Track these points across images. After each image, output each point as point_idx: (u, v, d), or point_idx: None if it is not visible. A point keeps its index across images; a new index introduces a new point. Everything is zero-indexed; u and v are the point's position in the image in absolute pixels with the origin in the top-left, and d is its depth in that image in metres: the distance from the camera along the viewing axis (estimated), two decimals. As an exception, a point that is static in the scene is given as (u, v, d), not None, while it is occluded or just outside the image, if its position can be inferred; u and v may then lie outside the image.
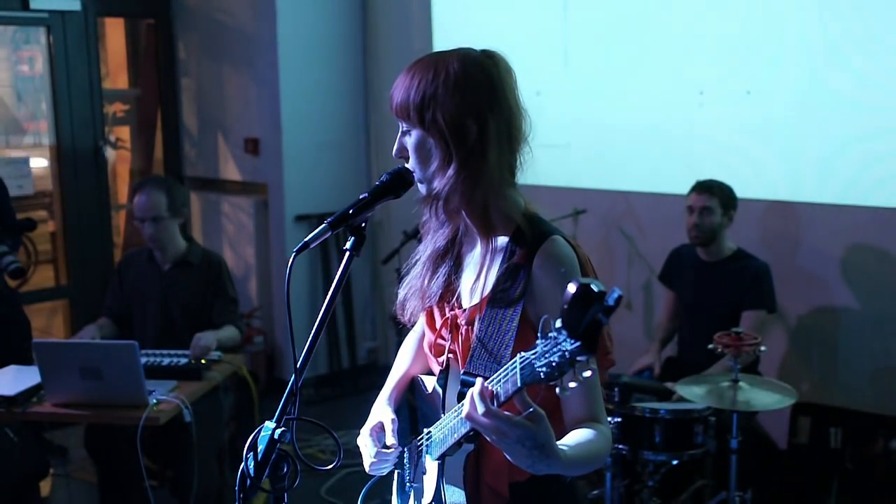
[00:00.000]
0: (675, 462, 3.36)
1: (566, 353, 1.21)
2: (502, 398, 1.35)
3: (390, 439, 1.76)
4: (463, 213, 1.64)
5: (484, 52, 1.64)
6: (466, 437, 1.53)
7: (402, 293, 1.77)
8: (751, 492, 3.36)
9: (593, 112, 4.68)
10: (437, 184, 1.60)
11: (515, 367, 1.31)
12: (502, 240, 1.62)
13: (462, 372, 1.59)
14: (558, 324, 1.22)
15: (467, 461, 1.60)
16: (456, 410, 1.54)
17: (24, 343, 3.72)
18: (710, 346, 3.26)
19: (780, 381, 3.33)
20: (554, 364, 1.23)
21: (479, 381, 1.39)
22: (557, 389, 1.24)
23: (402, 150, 1.65)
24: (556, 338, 1.23)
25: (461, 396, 1.55)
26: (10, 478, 3.64)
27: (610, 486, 3.31)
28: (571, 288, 1.19)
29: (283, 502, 1.51)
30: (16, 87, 5.87)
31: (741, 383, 3.12)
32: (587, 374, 1.21)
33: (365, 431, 1.80)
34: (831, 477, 3.73)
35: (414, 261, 1.77)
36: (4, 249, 3.71)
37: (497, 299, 1.57)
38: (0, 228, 4.05)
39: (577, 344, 1.19)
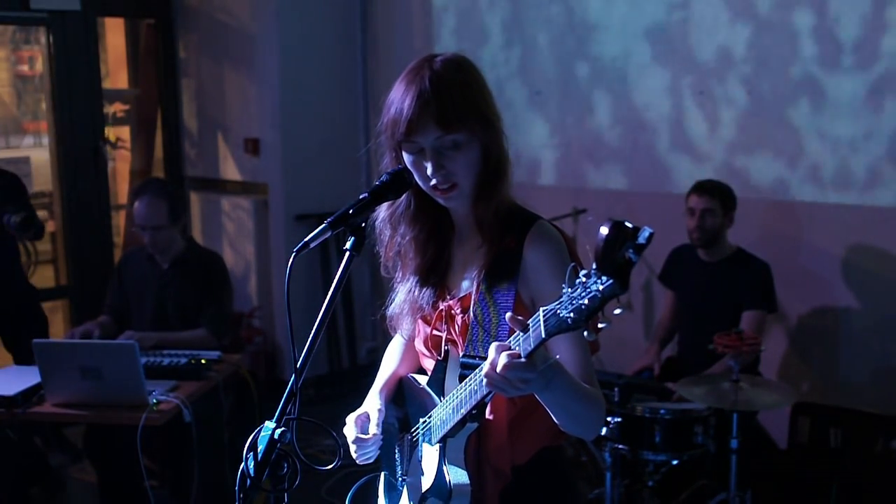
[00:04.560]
0: (675, 462, 3.36)
1: (597, 294, 1.23)
2: (524, 356, 1.38)
3: (373, 428, 1.78)
4: (484, 210, 1.64)
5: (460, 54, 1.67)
6: (471, 416, 1.56)
7: (391, 311, 1.80)
8: (751, 492, 3.36)
9: (593, 112, 4.68)
10: (493, 187, 1.61)
11: (538, 321, 1.33)
12: (495, 228, 1.65)
13: (462, 355, 1.61)
14: (583, 272, 1.25)
15: (468, 442, 1.62)
16: (460, 388, 1.56)
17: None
18: (710, 346, 3.26)
19: (780, 381, 3.34)
20: (584, 307, 1.25)
21: (494, 344, 1.41)
22: (585, 333, 1.27)
23: (452, 173, 1.59)
24: (584, 282, 1.25)
25: (462, 379, 1.57)
26: (11, 478, 3.64)
27: (610, 486, 3.31)
28: (604, 230, 1.21)
29: (283, 502, 1.51)
30: (16, 87, 5.88)
31: (741, 383, 3.12)
32: (617, 311, 1.27)
33: (350, 419, 1.82)
34: (831, 477, 3.73)
35: (402, 279, 1.78)
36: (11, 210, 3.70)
37: (491, 283, 1.61)
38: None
39: (610, 282, 1.21)
